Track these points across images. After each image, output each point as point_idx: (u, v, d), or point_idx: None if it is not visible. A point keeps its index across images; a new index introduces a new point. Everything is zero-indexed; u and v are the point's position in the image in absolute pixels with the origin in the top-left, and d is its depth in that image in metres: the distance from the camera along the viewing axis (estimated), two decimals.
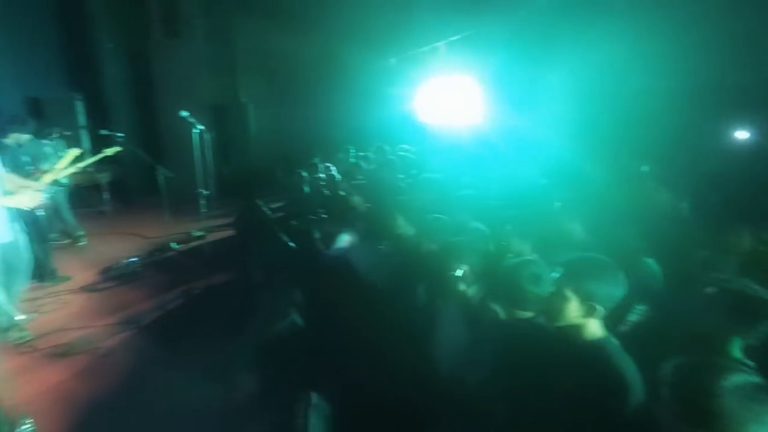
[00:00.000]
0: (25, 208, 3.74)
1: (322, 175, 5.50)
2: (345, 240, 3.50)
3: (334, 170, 5.36)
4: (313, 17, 8.19)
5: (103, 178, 7.55)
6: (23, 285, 3.50)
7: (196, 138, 4.80)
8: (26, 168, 4.44)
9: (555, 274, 1.64)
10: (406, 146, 6.52)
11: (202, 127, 4.72)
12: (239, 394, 2.58)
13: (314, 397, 1.84)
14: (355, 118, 8.44)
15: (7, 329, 3.40)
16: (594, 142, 4.83)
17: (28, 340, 3.43)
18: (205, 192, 4.97)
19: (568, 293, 1.55)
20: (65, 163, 4.77)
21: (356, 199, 3.97)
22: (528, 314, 1.83)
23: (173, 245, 5.72)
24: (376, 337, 2.25)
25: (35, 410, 2.28)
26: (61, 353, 3.30)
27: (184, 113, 4.69)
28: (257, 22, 8.78)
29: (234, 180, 8.09)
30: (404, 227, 2.79)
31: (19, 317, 2.00)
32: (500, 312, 1.87)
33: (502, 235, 2.44)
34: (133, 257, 5.21)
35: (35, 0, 8.23)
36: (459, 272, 2.01)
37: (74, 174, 5.10)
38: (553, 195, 3.14)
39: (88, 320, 3.85)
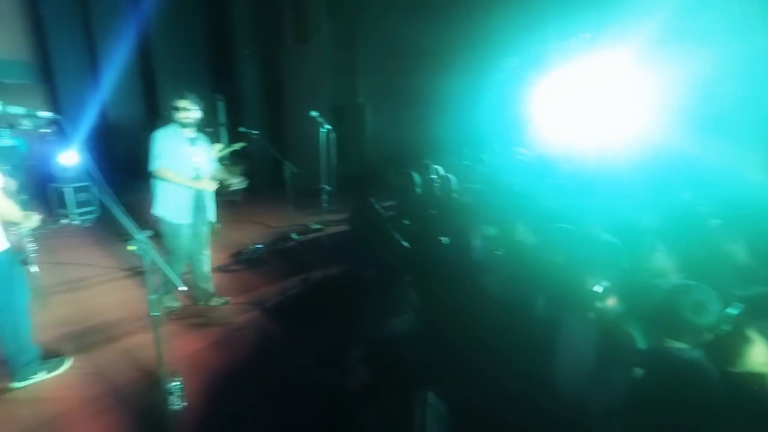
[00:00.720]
0: None
1: (434, 177, 5.51)
2: (460, 243, 3.47)
3: (446, 172, 5.35)
4: (431, 18, 8.26)
5: (237, 171, 8.31)
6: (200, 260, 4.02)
7: (323, 137, 5.08)
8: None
9: (732, 310, 1.42)
10: (524, 150, 6.27)
11: (329, 127, 4.99)
12: (353, 383, 2.67)
13: (431, 397, 1.83)
14: (471, 120, 8.36)
15: (167, 297, 3.95)
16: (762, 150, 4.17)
17: (176, 309, 3.96)
18: (327, 188, 5.25)
19: (752, 335, 1.34)
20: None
21: (471, 202, 3.92)
22: (680, 345, 1.62)
23: (294, 236, 6.14)
24: (492, 343, 2.20)
25: (179, 371, 2.57)
26: (200, 324, 3.72)
27: (314, 113, 5.02)
28: (378, 26, 9.06)
29: (349, 177, 8.43)
30: (525, 235, 2.68)
31: (181, 288, 2.27)
32: (638, 336, 1.70)
33: (640, 251, 2.22)
34: (259, 244, 5.68)
35: (189, 15, 9.28)
36: (598, 288, 1.86)
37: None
38: (704, 209, 2.79)
39: (221, 297, 4.26)
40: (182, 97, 3.78)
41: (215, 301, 4.14)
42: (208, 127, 7.15)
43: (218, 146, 5.40)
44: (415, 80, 8.87)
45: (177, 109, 3.75)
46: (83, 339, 3.54)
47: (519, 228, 2.67)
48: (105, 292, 4.53)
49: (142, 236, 2.10)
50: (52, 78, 8.65)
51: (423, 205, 5.00)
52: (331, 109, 9.12)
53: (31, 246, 3.00)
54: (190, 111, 3.77)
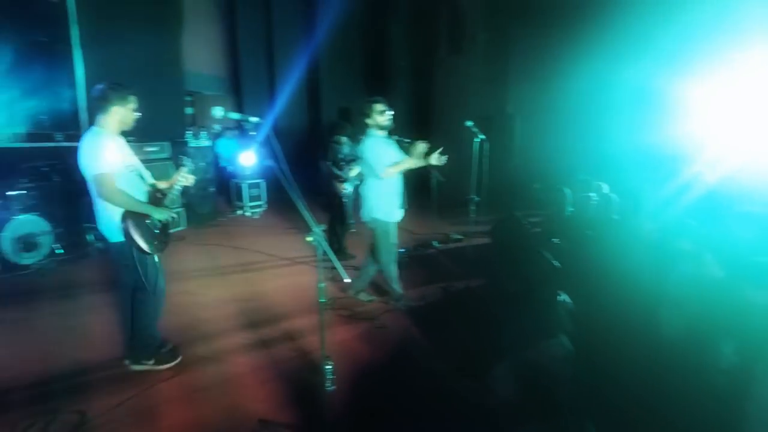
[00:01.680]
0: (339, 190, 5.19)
1: (592, 195, 5.12)
2: (623, 269, 3.18)
3: (607, 190, 4.92)
4: (587, 26, 7.74)
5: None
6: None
7: (475, 146, 5.04)
8: (341, 163, 5.45)
9: None
10: (703, 169, 5.49)
11: (483, 137, 4.94)
12: (494, 399, 2.60)
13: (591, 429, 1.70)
14: (635, 135, 7.64)
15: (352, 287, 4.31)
16: None
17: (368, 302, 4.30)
18: (476, 198, 5.20)
19: None
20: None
21: (642, 227, 3.55)
22: None
23: (435, 243, 6.20)
24: (663, 389, 1.95)
25: (332, 357, 2.76)
26: (348, 316, 3.97)
27: (469, 123, 5.00)
28: (532, 37, 8.79)
29: (494, 189, 8.25)
30: (711, 268, 2.34)
31: (347, 280, 2.45)
32: None
33: None
34: (402, 248, 5.83)
35: (351, 33, 9.97)
36: None
37: None
38: None
39: (368, 293, 4.48)
40: (378, 101, 4.00)
41: (365, 297, 4.37)
42: (361, 135, 7.60)
43: None
44: (570, 91, 8.40)
45: (378, 112, 3.99)
46: (252, 315, 4.02)
47: (705, 259, 2.33)
48: (271, 277, 5.09)
49: (318, 229, 2.31)
50: (239, 90, 10.02)
51: (577, 224, 4.66)
52: (479, 119, 9.04)
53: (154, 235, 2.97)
54: (389, 112, 3.98)
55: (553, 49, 8.26)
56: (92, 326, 3.68)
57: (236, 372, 3.11)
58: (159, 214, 2.93)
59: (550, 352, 2.41)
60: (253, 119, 2.45)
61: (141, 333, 3.06)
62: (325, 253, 2.33)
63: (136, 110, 2.88)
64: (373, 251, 4.17)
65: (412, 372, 3.19)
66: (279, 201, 8.84)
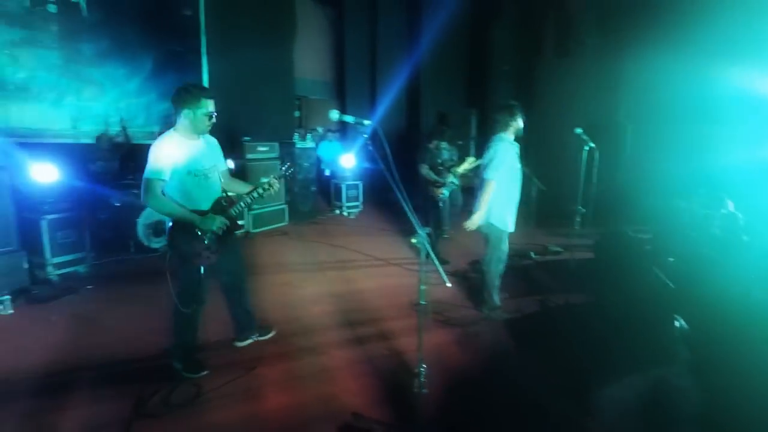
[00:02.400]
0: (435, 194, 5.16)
1: (715, 212, 4.58)
2: (752, 296, 2.82)
3: (732, 207, 4.37)
4: (708, 34, 7.01)
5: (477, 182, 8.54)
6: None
7: (584, 155, 4.75)
8: (438, 168, 5.44)
9: None
10: None
11: (592, 145, 4.64)
12: (598, 426, 2.43)
13: None
14: (756, 149, 6.79)
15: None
16: None
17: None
18: (582, 209, 4.89)
19: None
20: (463, 168, 5.61)
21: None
22: None
23: (532, 254, 5.95)
24: None
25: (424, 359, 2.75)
26: (442, 321, 3.95)
27: (578, 130, 4.72)
28: (645, 41, 8.13)
29: (601, 201, 7.75)
30: None
31: (448, 285, 2.45)
32: None
33: None
34: None
35: (454, 37, 9.90)
36: None
37: (462, 176, 5.96)
38: None
39: (461, 300, 4.42)
40: (516, 105, 3.90)
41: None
42: (459, 139, 7.54)
43: (470, 160, 5.61)
44: (686, 98, 7.68)
45: (515, 118, 3.89)
46: (348, 311, 4.14)
47: None
48: (366, 276, 5.21)
49: (423, 232, 2.33)
50: (343, 95, 10.42)
51: (696, 243, 4.21)
52: (586, 126, 8.55)
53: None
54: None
55: (669, 54, 7.62)
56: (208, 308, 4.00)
57: (332, 365, 3.22)
58: (204, 224, 2.76)
59: (663, 382, 2.19)
60: (367, 122, 2.52)
61: (173, 335, 3.04)
62: (428, 255, 2.34)
63: (210, 114, 2.77)
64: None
65: (506, 385, 3.08)
66: (374, 203, 9.07)
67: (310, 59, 10.25)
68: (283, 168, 3.24)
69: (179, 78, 7.44)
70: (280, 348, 3.43)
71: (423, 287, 2.41)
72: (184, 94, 2.72)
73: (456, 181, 5.89)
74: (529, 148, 9.37)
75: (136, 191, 5.74)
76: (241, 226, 3.09)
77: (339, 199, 8.52)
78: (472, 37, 10.33)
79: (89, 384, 2.88)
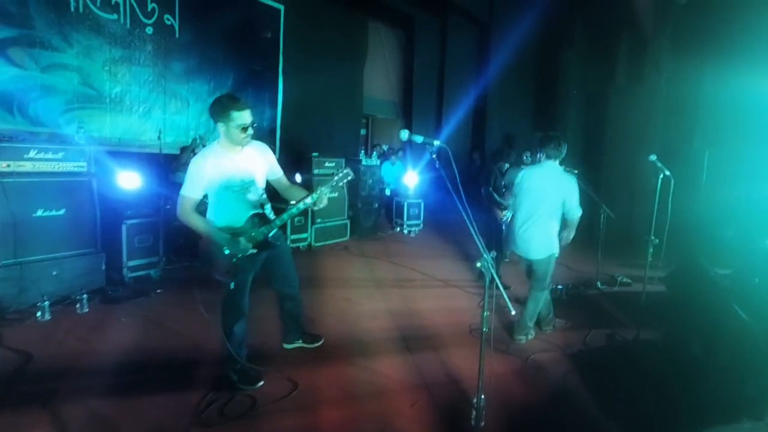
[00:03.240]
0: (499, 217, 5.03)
1: None
2: None
3: None
4: None
5: None
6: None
7: (658, 183, 4.41)
8: (501, 190, 5.26)
9: None
10: None
11: (667, 173, 4.30)
12: None
13: None
14: None
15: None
16: None
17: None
18: (655, 240, 4.53)
19: None
20: None
21: None
22: None
23: (599, 285, 5.56)
24: None
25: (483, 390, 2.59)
26: (503, 350, 3.73)
27: (653, 157, 4.41)
28: (723, 67, 7.62)
29: (675, 231, 7.20)
30: None
31: (513, 313, 2.31)
32: None
33: None
34: (560, 285, 5.34)
35: (523, 61, 9.67)
36: None
37: None
38: None
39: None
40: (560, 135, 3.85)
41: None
42: (524, 163, 7.28)
43: None
44: (762, 133, 7.10)
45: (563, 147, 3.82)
46: (406, 331, 4.01)
47: None
48: (425, 296, 5.08)
49: (488, 256, 2.20)
50: (409, 115, 10.48)
51: None
52: (660, 153, 8.05)
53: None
54: None
55: (746, 75, 7.11)
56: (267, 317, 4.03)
57: (388, 386, 3.11)
58: (228, 247, 2.66)
59: None
60: (437, 142, 2.45)
61: (223, 346, 2.94)
62: (493, 280, 2.21)
63: (243, 126, 2.60)
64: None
65: (569, 424, 2.84)
66: (434, 222, 8.94)
67: (378, 79, 10.43)
68: (337, 177, 2.82)
69: (257, 94, 7.82)
70: (337, 363, 3.37)
71: (486, 313, 2.28)
72: (217, 106, 2.61)
73: None
74: (601, 175, 8.96)
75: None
76: (273, 244, 2.88)
77: (401, 216, 8.48)
78: (541, 60, 10.07)
79: (151, 387, 2.93)
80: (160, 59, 6.58)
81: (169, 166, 6.22)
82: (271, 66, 7.99)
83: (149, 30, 6.34)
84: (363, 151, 8.85)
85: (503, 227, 5.25)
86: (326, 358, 3.43)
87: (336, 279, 5.39)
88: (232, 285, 2.78)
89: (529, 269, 3.97)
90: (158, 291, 4.69)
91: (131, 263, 4.87)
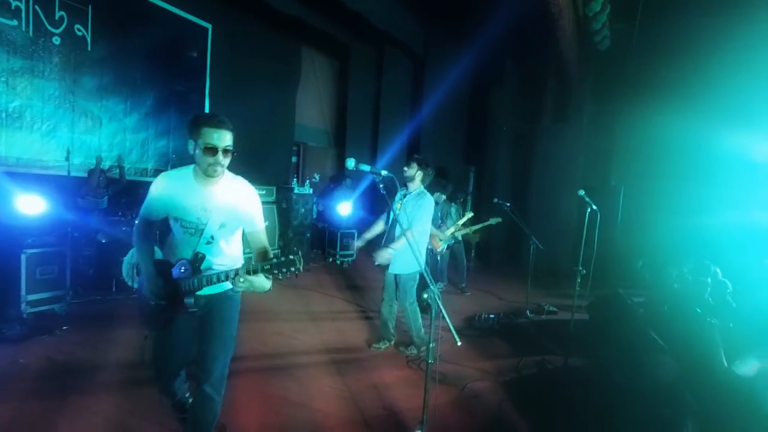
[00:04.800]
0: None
1: (707, 279, 4.58)
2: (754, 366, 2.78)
3: (719, 275, 4.39)
4: (699, 104, 7.62)
5: (475, 238, 8.55)
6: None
7: (586, 217, 4.80)
8: (436, 221, 5.44)
9: None
10: None
11: (595, 207, 4.71)
12: None
13: None
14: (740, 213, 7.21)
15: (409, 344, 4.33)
16: None
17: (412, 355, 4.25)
18: (582, 270, 4.87)
19: None
20: (462, 223, 5.63)
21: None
22: None
23: (528, 313, 5.87)
24: None
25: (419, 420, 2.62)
26: (438, 379, 3.75)
27: (581, 192, 4.80)
28: (638, 110, 8.78)
29: (596, 262, 7.81)
30: None
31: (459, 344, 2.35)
32: None
33: None
34: (492, 314, 5.56)
35: (455, 98, 10.24)
36: None
37: (462, 233, 5.98)
38: None
39: (455, 357, 4.22)
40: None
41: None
42: (459, 193, 7.61)
43: (469, 214, 5.65)
44: (676, 165, 8.20)
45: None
46: (342, 365, 3.98)
47: None
48: (360, 328, 5.06)
49: (435, 288, 2.27)
50: (343, 145, 10.61)
51: (685, 307, 4.18)
52: (582, 188, 8.83)
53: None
54: None
55: (660, 123, 8.26)
56: None
57: (327, 424, 3.04)
58: (147, 286, 2.25)
59: None
60: (384, 172, 2.52)
61: None
62: (439, 312, 2.27)
63: (213, 148, 2.12)
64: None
65: None
66: (368, 252, 8.96)
67: (311, 107, 10.50)
68: (275, 261, 2.00)
69: (181, 117, 7.55)
70: (271, 402, 3.25)
71: (432, 345, 2.32)
72: (192, 120, 2.18)
73: (459, 236, 5.90)
74: (528, 208, 9.59)
75: (125, 228, 5.65)
76: (185, 307, 2.22)
77: (333, 247, 8.43)
78: (473, 96, 10.72)
79: None
80: (69, 73, 6.14)
81: (78, 191, 5.79)
82: (197, 87, 7.77)
83: (56, 40, 5.94)
84: (295, 179, 8.79)
85: (438, 258, 5.41)
86: (259, 397, 3.29)
87: (266, 312, 5.18)
88: (145, 334, 2.44)
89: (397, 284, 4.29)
90: (64, 328, 4.26)
91: (31, 297, 4.41)
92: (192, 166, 2.26)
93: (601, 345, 4.59)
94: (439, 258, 5.42)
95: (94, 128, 6.45)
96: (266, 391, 3.38)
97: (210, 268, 2.24)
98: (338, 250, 8.36)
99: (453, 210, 5.86)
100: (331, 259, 8.43)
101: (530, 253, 5.94)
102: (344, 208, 8.05)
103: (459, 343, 2.31)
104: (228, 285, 2.24)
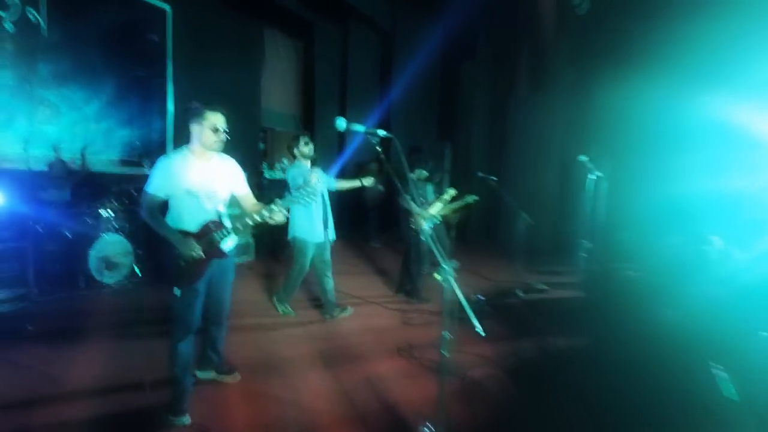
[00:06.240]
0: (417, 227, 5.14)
1: (710, 248, 4.64)
2: None
3: (720, 243, 4.46)
4: (679, 67, 7.44)
5: (455, 218, 8.52)
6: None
7: (589, 184, 4.58)
8: (420, 200, 5.36)
9: None
10: None
11: (599, 174, 4.51)
12: None
13: None
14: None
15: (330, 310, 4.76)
16: None
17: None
18: (587, 243, 4.68)
19: None
20: (443, 202, 5.55)
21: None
22: None
23: (518, 292, 5.87)
24: None
25: (425, 415, 2.53)
26: (433, 368, 3.64)
27: (583, 158, 4.57)
28: (616, 77, 8.51)
29: (568, 238, 7.89)
30: None
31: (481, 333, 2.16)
32: None
33: None
34: (480, 295, 5.51)
35: (425, 72, 10.09)
36: None
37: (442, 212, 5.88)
38: None
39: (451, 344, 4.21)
40: (303, 136, 4.76)
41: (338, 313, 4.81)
42: (435, 173, 7.49)
43: (451, 192, 5.56)
44: (660, 128, 8.06)
45: (303, 144, 4.73)
46: (329, 356, 3.87)
47: None
48: (352, 316, 4.93)
49: (449, 267, 2.11)
50: (312, 128, 10.35)
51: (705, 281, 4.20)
52: (557, 161, 8.85)
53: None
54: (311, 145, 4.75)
55: (643, 88, 7.95)
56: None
57: (320, 423, 2.89)
58: (181, 248, 2.66)
59: None
60: (381, 132, 2.38)
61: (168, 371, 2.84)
62: (455, 294, 2.12)
63: (218, 130, 2.72)
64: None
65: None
66: (343, 235, 8.86)
67: (277, 91, 10.18)
68: (298, 193, 2.87)
69: (144, 104, 7.19)
70: (257, 400, 3.11)
71: (446, 335, 2.18)
72: (191, 108, 2.75)
73: (438, 216, 5.81)
74: (505, 183, 9.56)
75: (89, 221, 5.37)
76: (222, 254, 2.87)
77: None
78: (444, 72, 10.59)
79: None
80: (23, 60, 5.76)
81: (38, 183, 5.46)
82: (158, 72, 7.41)
83: (8, 26, 5.53)
84: (266, 165, 8.54)
85: (423, 238, 5.33)
86: (243, 395, 3.15)
87: (242, 303, 4.98)
88: (177, 292, 2.74)
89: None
90: (28, 328, 4.04)
91: None
92: (184, 148, 2.79)
93: (601, 322, 4.54)
94: (422, 239, 5.34)
95: (53, 118, 6.08)
96: (249, 388, 3.23)
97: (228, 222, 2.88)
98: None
99: (429, 189, 5.75)
100: None
101: (516, 230, 5.92)
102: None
103: (482, 333, 2.09)
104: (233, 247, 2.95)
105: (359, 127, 2.38)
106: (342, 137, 10.46)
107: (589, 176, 4.53)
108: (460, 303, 2.12)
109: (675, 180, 7.79)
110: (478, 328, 2.08)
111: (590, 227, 4.64)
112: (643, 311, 3.85)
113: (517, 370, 3.77)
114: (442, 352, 2.20)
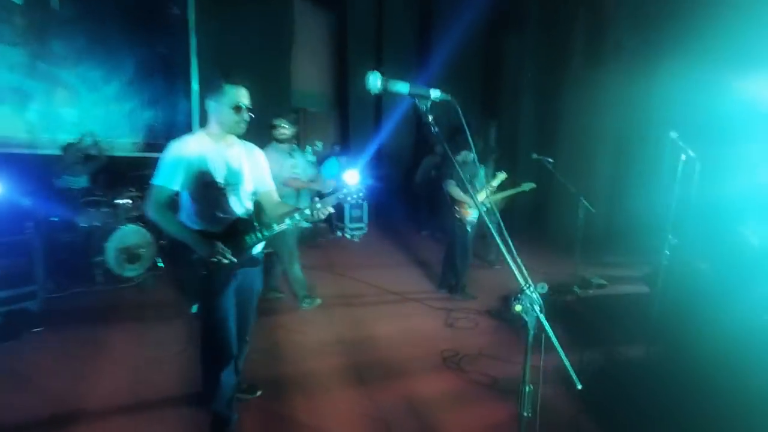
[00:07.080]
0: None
1: None
2: None
3: None
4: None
5: (501, 205, 7.76)
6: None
7: (680, 166, 3.72)
8: (466, 185, 4.68)
9: None
10: None
11: (691, 154, 3.64)
12: None
13: None
14: None
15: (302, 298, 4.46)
16: None
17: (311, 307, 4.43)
18: (673, 240, 3.80)
19: None
20: (494, 187, 4.88)
21: None
22: None
23: (575, 289, 5.15)
24: None
25: None
26: (489, 385, 3.13)
27: (674, 134, 3.71)
28: (691, 49, 7.45)
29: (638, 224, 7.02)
30: None
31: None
32: None
33: None
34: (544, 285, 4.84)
35: (469, 48, 9.28)
36: None
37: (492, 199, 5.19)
38: None
39: (499, 349, 3.63)
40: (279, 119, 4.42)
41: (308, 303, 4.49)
42: (490, 153, 6.76)
43: (501, 176, 4.89)
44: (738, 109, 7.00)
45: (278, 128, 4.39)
46: (363, 368, 3.35)
47: None
48: (380, 316, 4.42)
49: (534, 292, 1.44)
50: (346, 108, 9.77)
51: None
52: (613, 140, 7.95)
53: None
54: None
55: (719, 62, 6.88)
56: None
57: None
58: (203, 250, 2.16)
59: None
60: (435, 92, 1.60)
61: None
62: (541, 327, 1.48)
63: (236, 106, 2.21)
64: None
65: None
66: (380, 225, 8.31)
67: (308, 69, 9.62)
68: (344, 191, 2.34)
69: (169, 83, 6.79)
70: (276, 423, 2.64)
71: (528, 389, 1.52)
72: (210, 83, 2.33)
73: (487, 202, 5.13)
74: (559, 165, 8.69)
75: (106, 209, 5.00)
76: (255, 260, 2.42)
77: (341, 220, 7.76)
78: (488, 44, 9.74)
79: None
80: (36, 36, 5.40)
81: (51, 169, 5.13)
82: (181, 48, 6.95)
83: None
84: (297, 146, 8.00)
85: (469, 229, 4.69)
86: (256, 418, 2.66)
87: (266, 301, 4.48)
88: (197, 309, 2.34)
89: None
90: (36, 330, 3.69)
91: None
92: (199, 131, 2.30)
93: (677, 323, 3.79)
94: (469, 229, 4.68)
95: (71, 99, 5.73)
96: (266, 410, 2.75)
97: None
98: (347, 222, 7.69)
99: (482, 173, 5.06)
100: (340, 234, 7.76)
101: (572, 218, 5.17)
102: (351, 176, 7.30)
103: (579, 387, 1.50)
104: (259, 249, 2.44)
105: (402, 86, 1.58)
106: (378, 121, 9.82)
107: (682, 156, 3.65)
108: (550, 341, 1.43)
109: (746, 164, 6.78)
110: (576, 381, 1.47)
111: (676, 219, 3.75)
112: (720, 310, 3.14)
113: (586, 388, 3.07)
114: (523, 412, 1.50)
